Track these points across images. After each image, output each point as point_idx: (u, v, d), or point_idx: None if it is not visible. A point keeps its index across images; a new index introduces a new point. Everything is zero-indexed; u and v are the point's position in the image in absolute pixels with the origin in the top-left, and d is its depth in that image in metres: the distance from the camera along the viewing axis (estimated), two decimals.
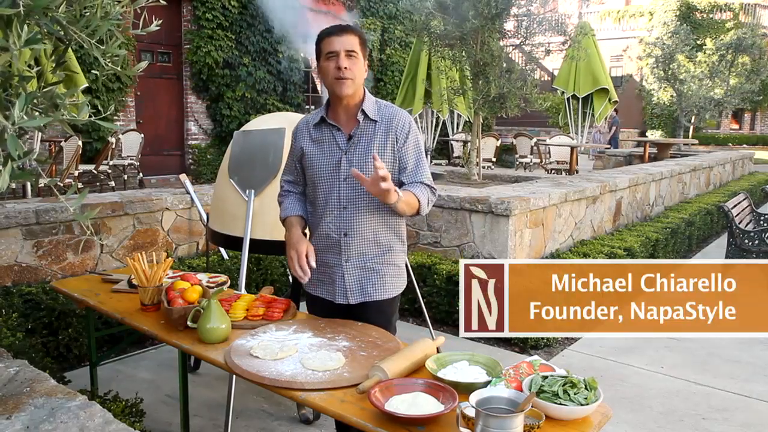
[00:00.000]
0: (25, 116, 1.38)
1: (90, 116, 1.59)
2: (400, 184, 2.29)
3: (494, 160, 12.65)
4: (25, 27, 1.37)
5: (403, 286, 2.42)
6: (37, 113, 1.54)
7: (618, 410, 3.36)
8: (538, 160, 12.56)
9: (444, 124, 14.05)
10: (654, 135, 24.43)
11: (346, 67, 2.18)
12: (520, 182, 7.28)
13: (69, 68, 1.83)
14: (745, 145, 23.88)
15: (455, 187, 6.11)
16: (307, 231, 2.43)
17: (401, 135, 2.29)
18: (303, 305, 2.60)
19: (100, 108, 8.97)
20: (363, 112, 2.27)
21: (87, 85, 3.95)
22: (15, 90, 1.48)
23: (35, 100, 1.52)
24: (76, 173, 7.85)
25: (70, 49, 1.72)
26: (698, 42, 20.53)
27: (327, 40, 2.22)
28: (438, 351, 2.04)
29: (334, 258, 2.30)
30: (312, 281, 2.36)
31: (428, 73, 11.80)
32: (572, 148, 11.49)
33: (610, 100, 14.13)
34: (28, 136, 6.80)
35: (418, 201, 2.25)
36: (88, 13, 1.53)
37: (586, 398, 1.65)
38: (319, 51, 2.25)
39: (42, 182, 6.90)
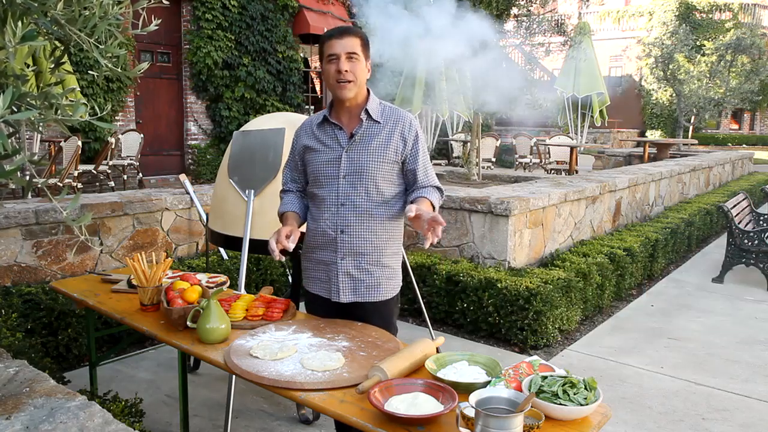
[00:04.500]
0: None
1: (83, 116, 1.59)
2: (408, 186, 2.36)
3: (494, 160, 12.67)
4: (20, 24, 1.37)
5: (396, 289, 2.43)
6: (29, 110, 1.53)
7: (618, 410, 3.36)
8: (538, 160, 12.58)
9: (443, 124, 14.06)
10: (653, 135, 24.43)
11: (346, 70, 2.20)
12: (519, 182, 7.28)
13: (64, 69, 1.83)
14: (744, 145, 23.90)
15: (455, 187, 6.11)
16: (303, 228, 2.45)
17: (409, 137, 2.31)
18: (303, 305, 2.60)
19: (97, 109, 8.97)
20: (366, 111, 2.29)
21: (76, 86, 3.93)
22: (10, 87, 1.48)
23: (32, 101, 1.52)
24: (76, 173, 7.84)
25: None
26: (697, 42, 20.53)
27: (328, 42, 2.24)
28: (437, 351, 2.04)
29: (330, 255, 2.32)
30: (310, 279, 2.42)
31: (427, 74, 11.80)
32: (572, 148, 11.50)
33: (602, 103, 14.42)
34: (27, 137, 6.80)
35: (433, 207, 2.29)
36: (87, 13, 1.53)
37: (585, 398, 1.64)
38: (322, 53, 2.27)
39: (38, 183, 6.91)
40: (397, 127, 2.30)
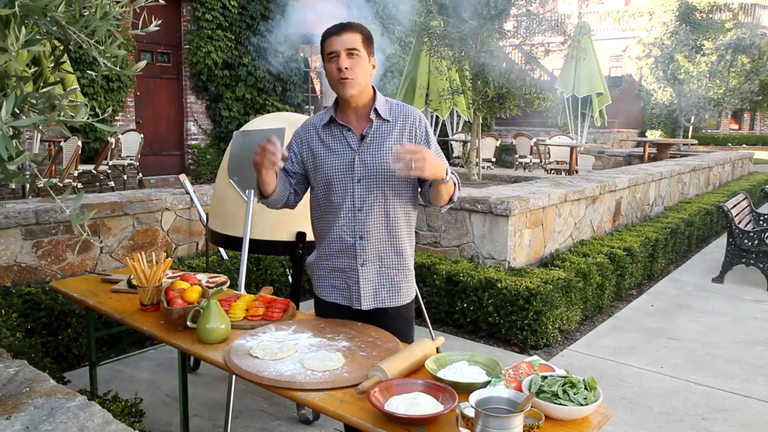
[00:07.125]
0: (22, 116, 1.37)
1: (87, 117, 1.59)
2: (420, 183, 2.24)
3: (494, 160, 12.67)
4: (23, 29, 1.37)
5: (414, 290, 2.38)
6: (33, 113, 1.54)
7: (618, 410, 3.36)
8: (538, 160, 12.58)
9: (443, 124, 14.07)
10: (653, 135, 24.43)
11: (347, 68, 2.09)
12: (519, 182, 7.28)
13: (64, 68, 1.83)
14: (744, 145, 23.89)
15: None
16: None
17: (420, 133, 2.23)
18: (302, 305, 2.60)
19: (97, 110, 8.98)
20: (375, 111, 2.19)
21: (77, 86, 3.92)
22: (13, 90, 1.48)
23: (33, 101, 1.52)
24: (76, 173, 7.84)
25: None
26: (698, 42, 20.54)
27: (328, 41, 2.14)
28: (437, 351, 2.04)
29: (348, 262, 2.23)
30: (324, 287, 2.31)
31: (428, 74, 11.81)
32: (572, 148, 11.50)
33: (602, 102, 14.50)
34: (27, 137, 6.81)
35: (455, 185, 2.18)
36: (87, 13, 1.53)
37: (585, 398, 1.64)
38: (323, 52, 2.17)
39: (39, 183, 6.91)
40: (407, 123, 2.21)
